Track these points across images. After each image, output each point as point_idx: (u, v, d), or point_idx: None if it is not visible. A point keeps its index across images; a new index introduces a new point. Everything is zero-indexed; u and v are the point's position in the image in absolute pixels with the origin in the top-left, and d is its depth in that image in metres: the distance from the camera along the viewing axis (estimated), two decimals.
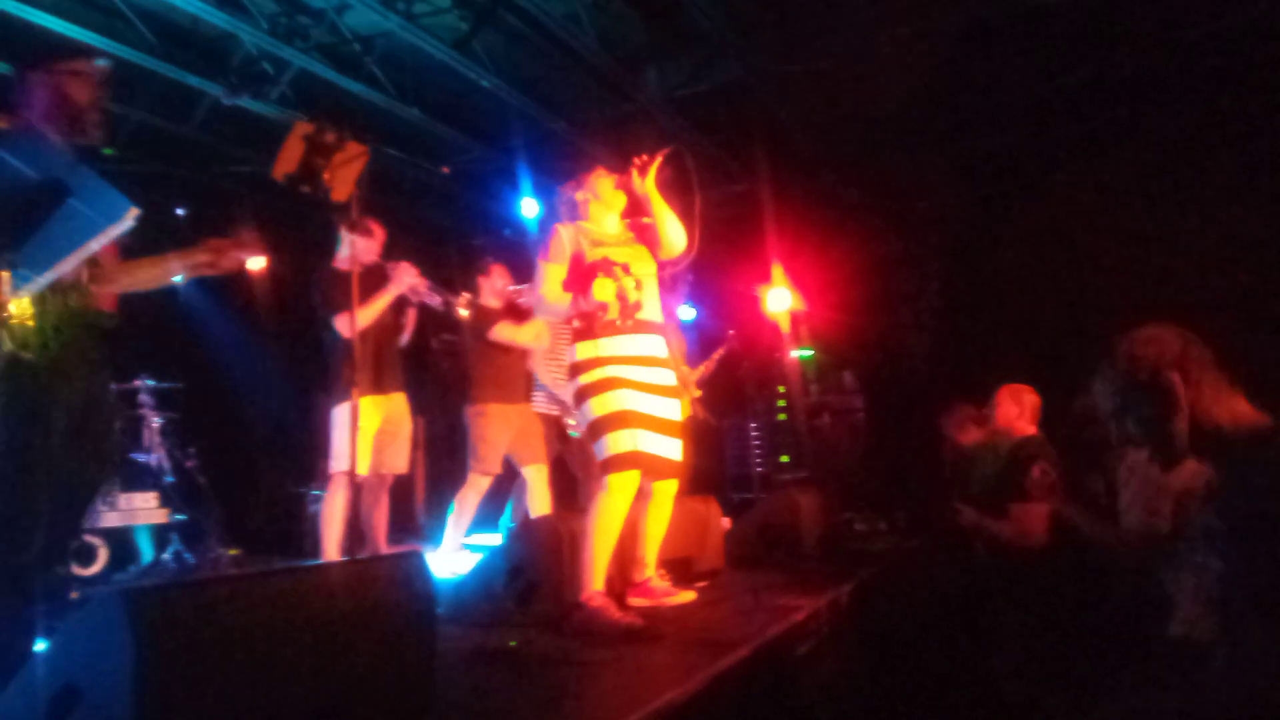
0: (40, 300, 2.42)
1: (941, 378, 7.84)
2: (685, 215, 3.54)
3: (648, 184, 3.45)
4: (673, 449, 3.37)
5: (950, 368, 7.83)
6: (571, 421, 5.23)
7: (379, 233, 4.46)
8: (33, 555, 2.43)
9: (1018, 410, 4.39)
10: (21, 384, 2.41)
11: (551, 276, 3.38)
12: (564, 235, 3.41)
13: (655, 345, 3.41)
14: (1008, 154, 7.38)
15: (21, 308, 2.39)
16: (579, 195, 3.55)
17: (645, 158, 3.46)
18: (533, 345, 5.05)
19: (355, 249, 3.50)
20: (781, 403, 9.16)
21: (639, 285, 3.40)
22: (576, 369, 3.35)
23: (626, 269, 3.38)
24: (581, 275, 3.35)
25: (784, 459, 8.96)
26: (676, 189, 3.63)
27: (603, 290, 3.28)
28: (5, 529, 2.40)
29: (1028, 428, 4.37)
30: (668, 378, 3.43)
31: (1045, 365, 4.79)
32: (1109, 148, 6.97)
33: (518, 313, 5.00)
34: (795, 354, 9.01)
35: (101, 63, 2.72)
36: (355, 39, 5.63)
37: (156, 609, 1.55)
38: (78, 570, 4.23)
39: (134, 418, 4.83)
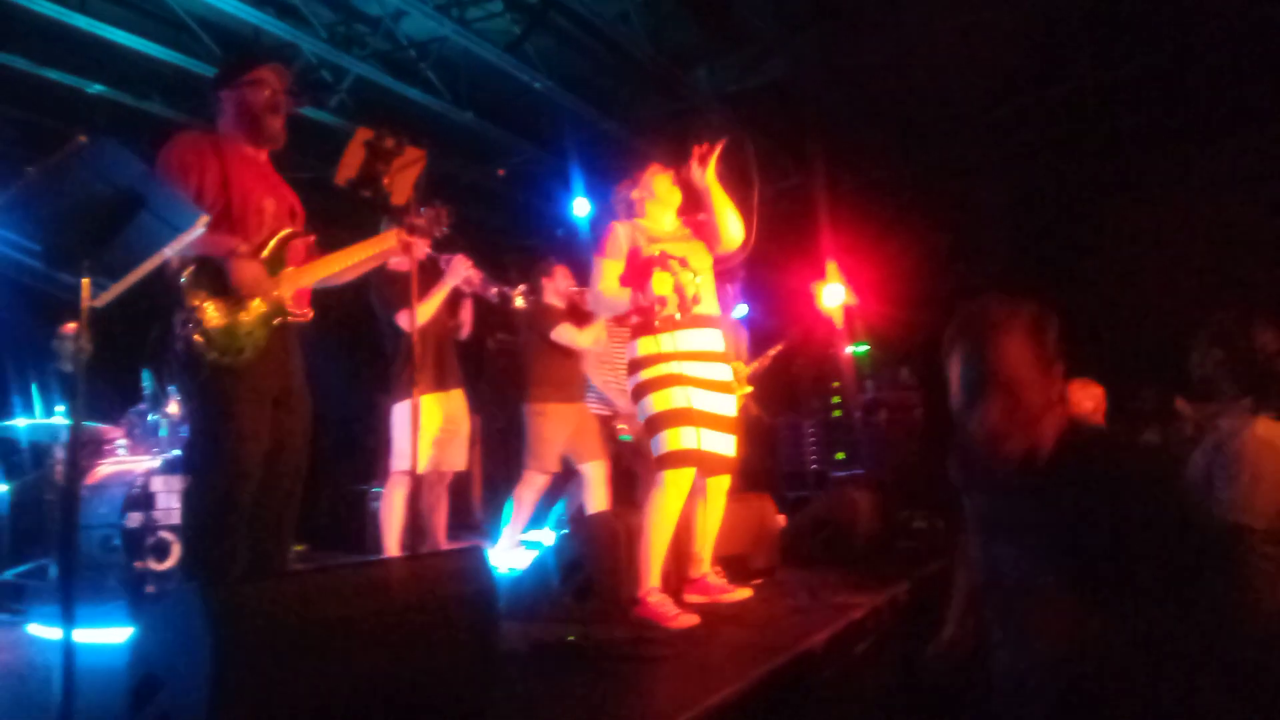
0: (233, 309, 2.65)
1: None
2: (743, 207, 3.53)
3: (708, 175, 3.44)
4: (727, 445, 3.38)
5: None
6: (622, 425, 5.25)
7: (444, 215, 4.52)
8: (237, 538, 2.70)
9: (1092, 405, 4.29)
10: (219, 386, 2.66)
11: (609, 272, 3.40)
12: (620, 232, 3.43)
13: (712, 340, 3.42)
14: (1070, 145, 7.21)
15: (214, 313, 2.63)
16: (634, 193, 3.56)
17: (706, 148, 3.45)
18: (592, 348, 5.08)
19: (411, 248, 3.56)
20: (836, 399, 9.07)
21: (696, 278, 3.41)
22: (636, 365, 3.37)
23: (684, 263, 3.39)
24: (639, 270, 3.37)
25: (839, 456, 8.87)
26: (733, 181, 3.62)
27: (661, 284, 3.29)
28: (213, 514, 2.67)
29: (1101, 423, 4.28)
30: (723, 373, 3.44)
31: (1109, 360, 4.69)
32: (1178, 138, 6.76)
33: (580, 314, 5.03)
34: (850, 350, 8.91)
35: (279, 67, 2.93)
36: (411, 45, 5.73)
37: (232, 602, 1.61)
38: (153, 565, 4.38)
39: None
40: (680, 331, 3.32)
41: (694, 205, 3.56)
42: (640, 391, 3.34)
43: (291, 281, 2.83)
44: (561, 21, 5.58)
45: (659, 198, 3.52)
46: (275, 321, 2.77)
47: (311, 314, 2.95)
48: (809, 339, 7.72)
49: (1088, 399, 4.30)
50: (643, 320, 3.35)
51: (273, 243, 2.83)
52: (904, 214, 8.41)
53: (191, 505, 2.75)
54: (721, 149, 3.45)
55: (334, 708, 1.72)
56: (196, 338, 2.64)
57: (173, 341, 2.70)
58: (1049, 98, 6.65)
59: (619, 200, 3.63)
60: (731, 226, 3.48)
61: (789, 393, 8.93)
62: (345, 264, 2.97)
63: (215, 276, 2.68)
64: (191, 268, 2.70)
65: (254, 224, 2.83)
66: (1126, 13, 5.56)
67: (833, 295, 7.78)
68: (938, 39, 5.73)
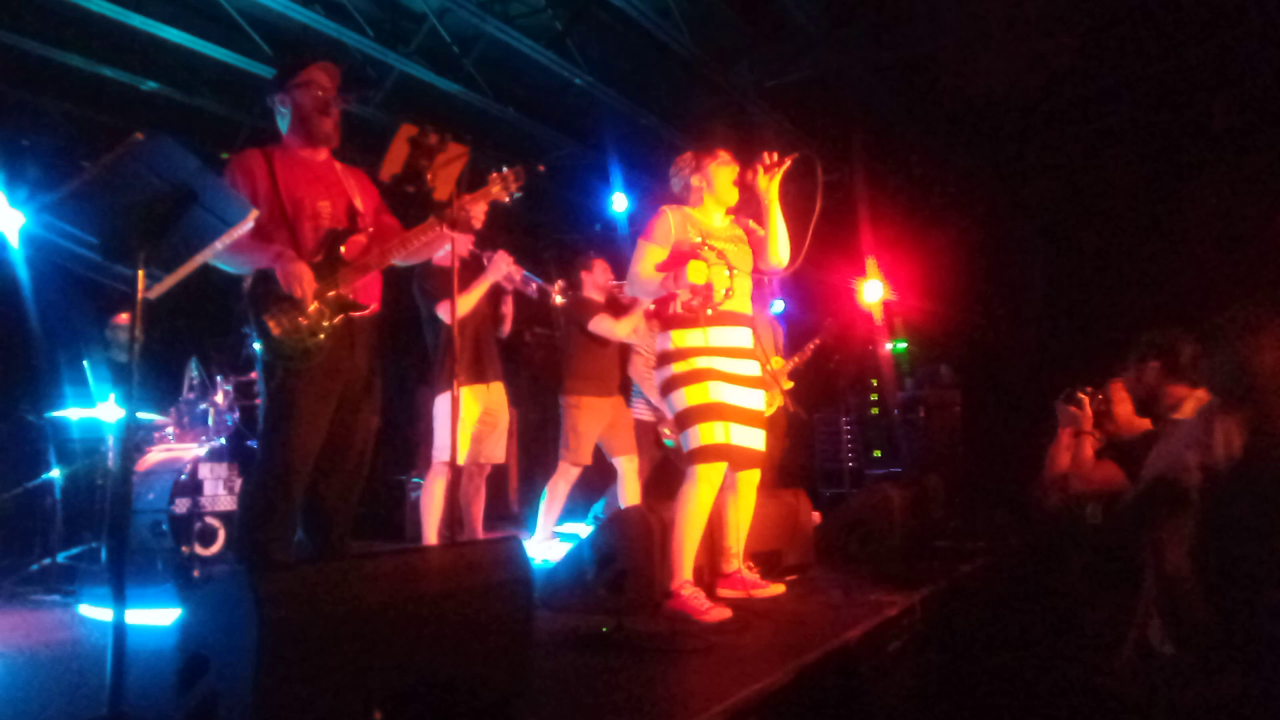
0: (290, 313, 2.75)
1: (1045, 372, 7.59)
2: (798, 225, 3.48)
3: (771, 187, 3.42)
4: (757, 439, 3.38)
5: (1054, 361, 7.57)
6: (667, 431, 5.27)
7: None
8: (286, 526, 2.83)
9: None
10: (283, 387, 2.77)
11: (650, 256, 3.38)
12: (670, 219, 3.39)
13: (743, 337, 3.41)
14: (1118, 139, 7.08)
15: (274, 323, 2.73)
16: (695, 179, 3.49)
17: (775, 157, 3.41)
18: (630, 340, 5.11)
19: (452, 244, 3.60)
20: (874, 397, 9.01)
21: (732, 275, 3.38)
22: (667, 357, 3.35)
23: (723, 256, 3.36)
24: (679, 259, 3.33)
25: (876, 454, 8.82)
26: (793, 198, 3.58)
27: (696, 274, 3.25)
28: (265, 503, 2.79)
29: (1145, 423, 4.19)
30: (753, 369, 3.43)
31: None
32: (1230, 131, 6.60)
33: (618, 307, 5.06)
34: (889, 347, 8.85)
35: (329, 65, 3.00)
36: (454, 41, 5.79)
37: (278, 585, 1.66)
38: (199, 550, 4.49)
39: (250, 407, 5.11)
40: (712, 328, 3.31)
41: (747, 206, 3.54)
42: (671, 385, 3.33)
43: (351, 276, 2.89)
44: (603, 16, 5.60)
45: (716, 192, 3.47)
46: (336, 319, 2.84)
47: (375, 307, 3.01)
48: (845, 333, 7.66)
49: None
50: (667, 311, 3.34)
51: (322, 244, 2.89)
52: (946, 210, 8.31)
53: (247, 493, 2.84)
54: (792, 161, 3.40)
55: (375, 690, 1.76)
56: (263, 349, 2.75)
57: (248, 351, 2.80)
58: (1096, 91, 6.53)
59: (678, 177, 3.55)
60: (781, 247, 3.46)
61: (827, 389, 8.88)
62: (401, 253, 3.01)
63: (270, 286, 2.77)
64: (250, 283, 2.80)
65: (308, 227, 2.91)
66: (1176, 2, 5.43)
67: (872, 291, 7.73)
68: (983, 32, 5.65)
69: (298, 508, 2.85)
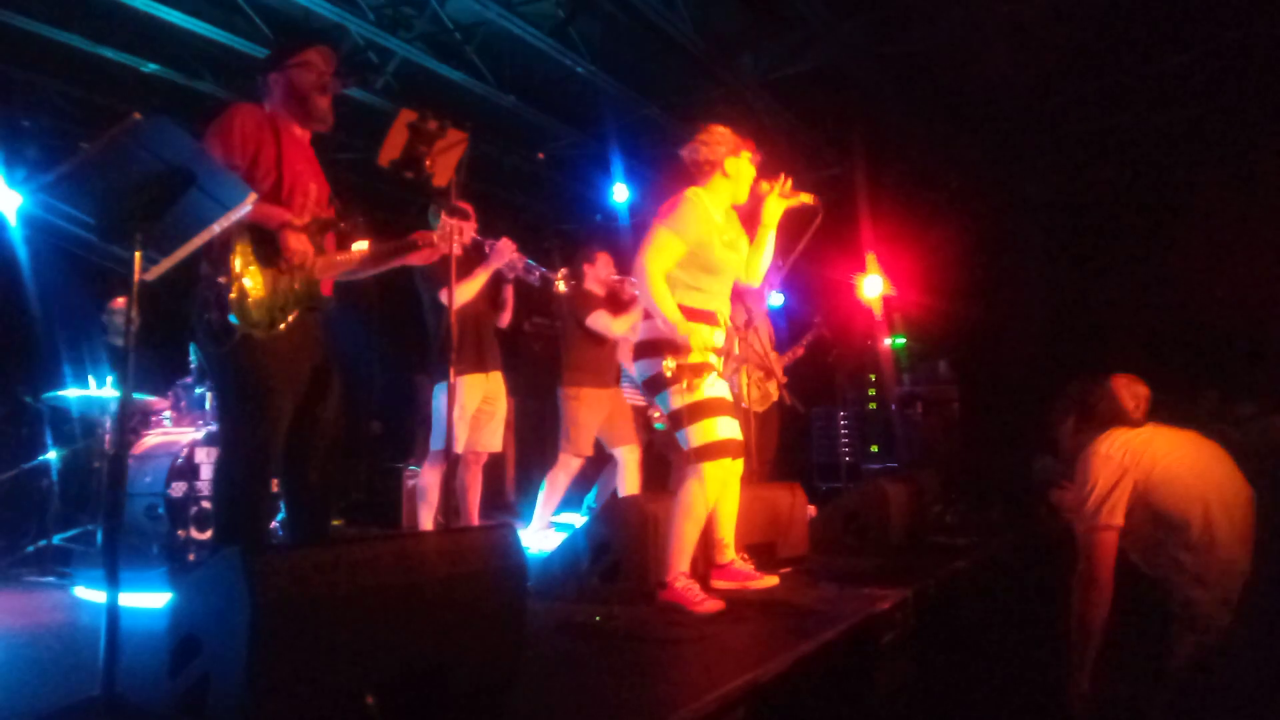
0: (272, 282, 2.70)
1: (1043, 369, 7.60)
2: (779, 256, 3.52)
3: (776, 210, 3.43)
4: (739, 430, 3.36)
5: (1053, 358, 7.58)
6: (656, 414, 5.26)
7: (471, 213, 4.57)
8: (266, 506, 2.80)
9: (1135, 404, 4.18)
10: (252, 359, 2.70)
11: (668, 248, 3.18)
12: (697, 209, 3.25)
13: (717, 335, 3.39)
14: (1122, 137, 7.06)
15: (255, 287, 2.66)
16: (729, 160, 3.35)
17: (789, 187, 3.43)
18: (628, 336, 5.10)
19: (453, 231, 3.59)
20: (872, 391, 9.02)
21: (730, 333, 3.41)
22: (658, 347, 3.24)
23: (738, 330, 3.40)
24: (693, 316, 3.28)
25: (873, 449, 8.83)
26: (787, 228, 3.59)
27: (699, 337, 3.15)
28: (243, 484, 2.72)
29: (1144, 423, 4.17)
30: (719, 363, 3.45)
31: (1155, 357, 4.60)
32: (1232, 132, 6.59)
33: (618, 302, 5.06)
34: (888, 342, 8.85)
35: (326, 49, 2.97)
36: (456, 28, 5.77)
37: (272, 569, 1.66)
38: (195, 534, 4.50)
39: None
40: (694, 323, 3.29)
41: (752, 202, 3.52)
42: (664, 379, 3.22)
43: (323, 268, 2.86)
44: (606, 5, 5.57)
45: (734, 179, 3.38)
46: (309, 301, 2.81)
47: (333, 301, 2.97)
48: (841, 330, 7.67)
49: (1130, 397, 4.19)
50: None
51: (308, 227, 2.86)
52: (947, 205, 8.31)
53: (222, 475, 2.79)
54: (797, 203, 3.44)
55: (366, 673, 1.76)
56: (233, 306, 2.64)
57: (205, 309, 2.69)
58: (1098, 89, 6.52)
59: (706, 147, 3.36)
60: (760, 270, 3.51)
61: (825, 384, 8.90)
62: (370, 259, 2.99)
63: (265, 246, 2.70)
64: (242, 236, 2.68)
65: (299, 204, 2.86)
66: (1176, 1, 5.42)
67: (871, 286, 7.74)
68: (987, 27, 5.64)
69: (275, 491, 2.84)
